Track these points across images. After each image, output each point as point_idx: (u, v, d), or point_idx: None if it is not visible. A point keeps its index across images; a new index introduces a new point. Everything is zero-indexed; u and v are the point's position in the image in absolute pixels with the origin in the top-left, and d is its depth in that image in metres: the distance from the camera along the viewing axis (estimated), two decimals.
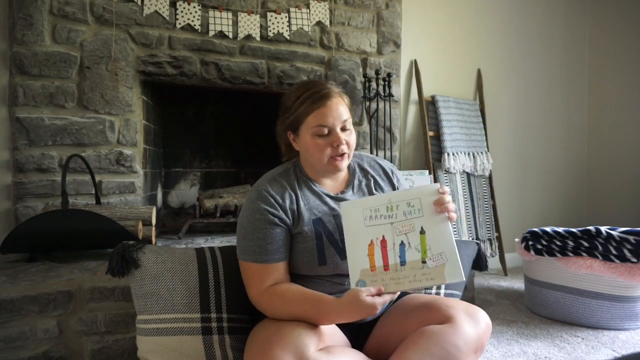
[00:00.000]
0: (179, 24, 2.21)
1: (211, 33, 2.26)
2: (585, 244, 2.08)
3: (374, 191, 1.31)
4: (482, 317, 1.13)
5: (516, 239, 2.39)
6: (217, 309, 1.27)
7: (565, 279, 2.12)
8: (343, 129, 1.20)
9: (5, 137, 2.02)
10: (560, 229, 2.20)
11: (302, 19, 2.42)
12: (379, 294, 1.03)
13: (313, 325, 1.07)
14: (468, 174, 2.95)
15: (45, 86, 2.01)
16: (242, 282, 1.21)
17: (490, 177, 3.06)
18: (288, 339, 0.99)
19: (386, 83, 2.53)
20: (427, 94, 2.94)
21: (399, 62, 2.72)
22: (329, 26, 2.50)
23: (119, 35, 2.11)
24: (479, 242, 2.04)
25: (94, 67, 2.08)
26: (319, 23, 2.48)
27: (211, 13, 2.26)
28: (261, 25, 2.35)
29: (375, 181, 1.33)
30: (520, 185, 3.36)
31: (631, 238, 1.99)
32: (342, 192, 1.28)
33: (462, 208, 2.86)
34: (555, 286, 2.16)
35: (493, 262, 3.05)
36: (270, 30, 2.37)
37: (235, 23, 2.31)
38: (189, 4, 2.21)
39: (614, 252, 2.00)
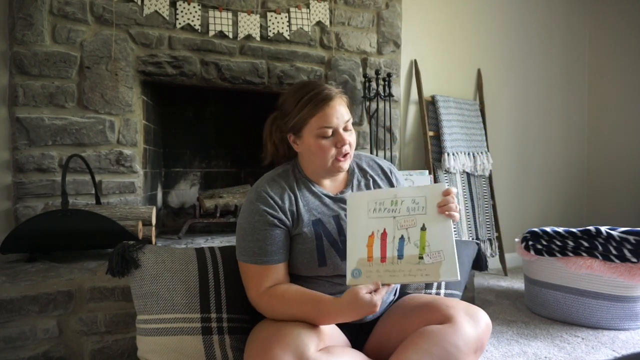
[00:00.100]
0: (179, 24, 2.21)
1: (211, 33, 2.26)
2: (585, 244, 2.08)
3: None
4: (482, 317, 1.13)
5: (516, 239, 2.39)
6: (217, 309, 1.27)
7: (565, 279, 2.12)
8: (345, 129, 1.20)
9: (5, 137, 2.02)
10: (560, 229, 2.20)
11: (302, 19, 2.42)
12: (376, 289, 1.03)
13: (313, 325, 1.07)
14: (468, 174, 2.95)
15: (45, 86, 2.01)
16: (242, 283, 1.21)
17: (490, 177, 3.06)
18: (288, 339, 0.99)
19: (386, 83, 2.53)
20: (427, 94, 2.94)
21: (399, 62, 2.72)
22: (329, 26, 2.50)
23: (119, 35, 2.11)
24: (479, 242, 2.04)
25: (94, 67, 2.08)
26: (319, 23, 2.48)
27: (211, 13, 2.26)
28: (261, 25, 2.35)
29: (374, 181, 1.33)
30: (520, 185, 3.37)
31: (631, 238, 1.99)
32: (342, 193, 1.28)
33: (462, 208, 2.86)
34: (555, 286, 2.16)
35: (493, 262, 3.06)
36: (270, 30, 2.37)
37: (235, 23, 2.31)
38: (189, 4, 2.21)
39: (614, 252, 2.00)
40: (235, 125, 2.89)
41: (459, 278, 1.04)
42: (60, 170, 2.02)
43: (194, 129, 2.84)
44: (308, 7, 2.44)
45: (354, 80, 2.57)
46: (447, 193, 1.13)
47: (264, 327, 1.11)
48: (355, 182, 1.31)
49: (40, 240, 1.73)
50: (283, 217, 1.17)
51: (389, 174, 1.36)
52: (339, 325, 1.19)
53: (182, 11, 2.21)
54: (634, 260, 1.96)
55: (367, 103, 2.59)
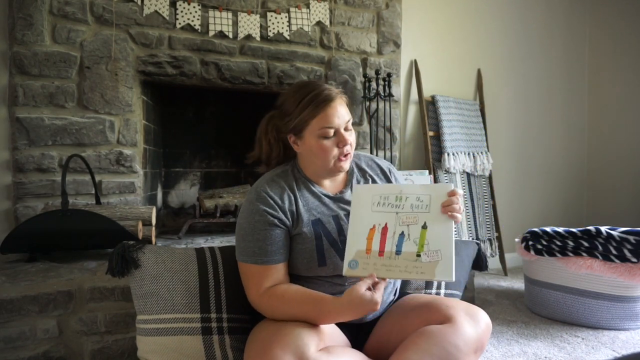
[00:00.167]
0: (179, 24, 2.21)
1: (211, 33, 2.26)
2: (585, 244, 2.08)
3: None
4: (482, 317, 1.14)
5: (516, 239, 2.39)
6: (217, 309, 1.27)
7: (565, 279, 2.12)
8: (345, 129, 1.21)
9: (5, 137, 2.02)
10: (560, 229, 2.20)
11: (302, 19, 2.42)
12: (376, 287, 1.04)
13: (313, 325, 1.07)
14: (468, 174, 2.95)
15: (45, 86, 2.01)
16: (242, 283, 1.21)
17: (490, 177, 3.06)
18: (288, 339, 0.99)
19: (386, 83, 2.53)
20: (427, 94, 2.94)
21: (399, 62, 2.72)
22: (329, 26, 2.50)
23: (119, 35, 2.11)
24: (479, 242, 2.04)
25: (94, 67, 2.08)
26: (319, 23, 2.48)
27: (211, 13, 2.26)
28: (261, 25, 2.35)
29: (374, 181, 1.33)
30: (520, 185, 3.37)
31: (631, 238, 1.99)
32: (341, 192, 1.28)
33: (462, 208, 2.86)
34: (555, 286, 2.16)
35: (493, 262, 3.05)
36: (270, 30, 2.37)
37: (235, 23, 2.31)
38: (189, 4, 2.21)
39: (614, 252, 2.00)
40: (235, 125, 2.89)
41: (453, 279, 1.05)
42: (60, 170, 2.02)
43: (194, 129, 2.84)
44: (308, 7, 2.44)
45: (354, 80, 2.57)
46: (452, 194, 1.13)
47: (264, 327, 1.11)
48: (354, 181, 1.31)
49: (40, 240, 1.73)
50: (283, 217, 1.17)
51: (388, 173, 1.36)
52: (339, 325, 1.19)
53: (182, 11, 2.21)
54: (634, 260, 1.96)
55: (367, 103, 2.59)
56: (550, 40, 3.42)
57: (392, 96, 2.56)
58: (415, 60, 2.93)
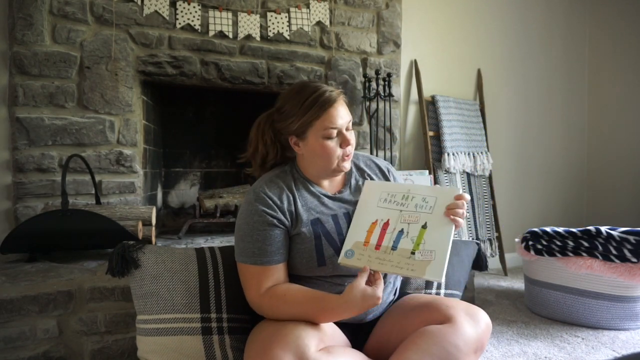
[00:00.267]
0: (179, 24, 2.21)
1: (211, 33, 2.26)
2: (585, 244, 2.08)
3: None
4: (482, 317, 1.14)
5: (516, 239, 2.39)
6: (217, 309, 1.27)
7: (565, 279, 2.12)
8: (347, 129, 1.21)
9: (5, 137, 2.02)
10: (560, 229, 2.20)
11: (302, 19, 2.42)
12: (374, 281, 1.07)
13: (313, 325, 1.07)
14: (468, 174, 2.95)
15: (45, 86, 2.01)
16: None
17: (490, 177, 3.06)
18: (288, 339, 0.99)
19: (386, 83, 2.53)
20: (427, 94, 2.94)
21: (399, 62, 2.72)
22: (329, 26, 2.50)
23: (119, 35, 2.11)
24: (479, 242, 2.04)
25: (94, 67, 2.08)
26: (319, 23, 2.48)
27: (211, 13, 2.26)
28: (261, 25, 2.35)
29: (372, 180, 1.33)
30: (520, 185, 3.37)
31: (631, 238, 1.99)
32: (340, 192, 1.28)
33: None
34: (555, 286, 2.16)
35: (493, 262, 3.06)
36: (270, 30, 2.37)
37: (235, 23, 2.31)
38: (189, 4, 2.21)
39: (614, 252, 2.00)
40: (235, 125, 2.89)
41: (442, 280, 1.07)
42: (60, 170, 2.02)
43: (194, 129, 2.84)
44: (308, 7, 2.44)
45: (354, 80, 2.57)
46: (459, 198, 1.15)
47: (264, 327, 1.11)
48: (353, 181, 1.31)
49: (40, 240, 1.73)
50: (282, 217, 1.17)
51: (387, 173, 1.36)
52: (339, 325, 1.19)
53: (182, 11, 2.21)
54: (634, 260, 1.96)
55: (367, 103, 2.59)
56: (550, 40, 3.42)
57: (392, 96, 2.56)
58: (415, 60, 2.93)
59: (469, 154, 2.93)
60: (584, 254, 2.08)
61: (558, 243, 2.15)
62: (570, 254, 2.11)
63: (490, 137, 3.17)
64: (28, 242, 1.73)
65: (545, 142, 3.44)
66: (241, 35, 2.32)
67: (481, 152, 2.99)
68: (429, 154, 2.83)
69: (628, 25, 3.30)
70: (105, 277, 1.54)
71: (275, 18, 2.38)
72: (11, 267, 1.67)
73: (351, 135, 1.21)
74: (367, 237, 1.15)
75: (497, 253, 3.02)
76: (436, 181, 2.79)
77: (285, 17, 2.40)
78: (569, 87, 3.51)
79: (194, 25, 2.23)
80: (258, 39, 2.35)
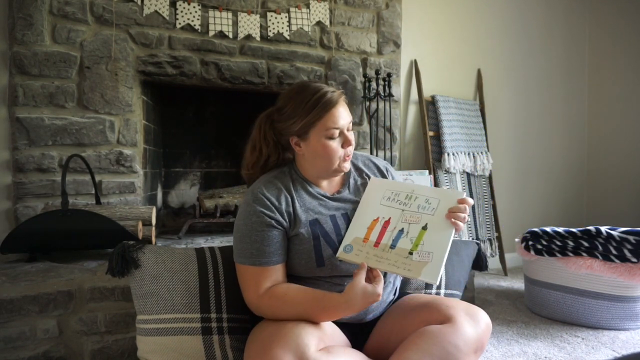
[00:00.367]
0: (179, 24, 2.21)
1: (211, 33, 2.26)
2: (585, 244, 2.08)
3: None
4: (482, 317, 1.14)
5: (516, 239, 2.39)
6: (217, 309, 1.27)
7: (565, 279, 2.12)
8: (348, 130, 1.22)
9: (5, 137, 2.02)
10: (560, 229, 2.20)
11: (302, 19, 2.42)
12: (373, 278, 1.08)
13: (314, 324, 1.07)
14: (468, 174, 2.95)
15: (45, 86, 2.01)
16: None
17: (490, 177, 3.06)
18: (288, 338, 0.99)
19: (386, 83, 2.53)
20: (427, 94, 2.94)
21: (399, 62, 2.72)
22: (329, 26, 2.50)
23: (119, 35, 2.11)
24: (479, 242, 2.04)
25: (94, 67, 2.08)
26: (319, 23, 2.48)
27: (211, 13, 2.26)
28: (261, 25, 2.35)
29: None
30: (520, 185, 3.37)
31: (631, 238, 1.99)
32: (339, 192, 1.28)
33: None
34: (555, 286, 2.16)
35: (493, 262, 3.06)
36: (270, 30, 2.37)
37: (235, 23, 2.31)
38: (189, 4, 2.22)
39: (614, 252, 2.00)
40: (235, 125, 2.89)
41: (437, 283, 1.08)
42: (60, 170, 2.02)
43: (194, 129, 2.84)
44: (308, 7, 2.44)
45: (354, 80, 2.57)
46: (462, 201, 1.15)
47: (264, 327, 1.11)
48: (351, 181, 1.31)
49: (40, 240, 1.73)
50: (280, 218, 1.17)
51: (385, 172, 1.36)
52: (339, 325, 1.19)
53: (182, 11, 2.21)
54: (634, 260, 1.96)
55: (367, 103, 2.59)
56: (550, 40, 3.42)
57: (392, 96, 2.56)
58: (415, 60, 2.93)
59: (469, 154, 2.93)
60: (584, 254, 2.08)
61: (558, 243, 2.15)
62: (570, 254, 2.11)
63: (490, 137, 3.17)
64: (28, 242, 1.73)
65: (545, 142, 3.44)
66: (241, 35, 2.32)
67: (481, 152, 2.99)
68: (429, 154, 2.83)
69: (628, 24, 3.30)
70: (105, 277, 1.54)
71: (275, 18, 2.38)
72: (11, 267, 1.67)
73: (352, 136, 1.22)
74: (367, 233, 1.16)
75: (497, 253, 3.02)
76: (436, 181, 2.79)
77: (285, 17, 2.40)
78: (569, 86, 3.51)
79: (194, 25, 2.23)
80: (258, 39, 2.35)
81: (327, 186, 1.28)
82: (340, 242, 1.19)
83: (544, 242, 2.19)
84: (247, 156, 1.28)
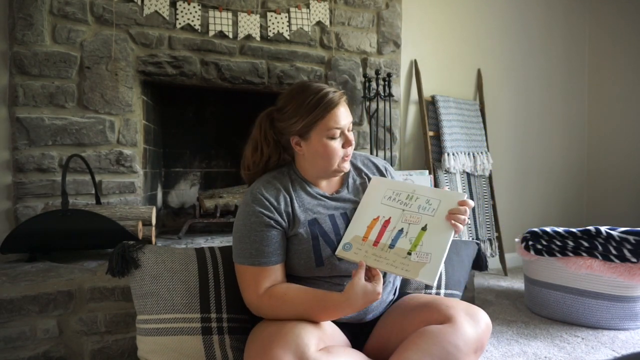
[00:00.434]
0: (179, 24, 2.21)
1: (211, 33, 2.27)
2: (585, 244, 2.08)
3: None
4: (482, 317, 1.14)
5: (516, 239, 2.39)
6: (217, 309, 1.27)
7: (565, 279, 2.12)
8: (348, 130, 1.22)
9: (5, 137, 2.02)
10: (560, 229, 2.20)
11: (302, 19, 2.42)
12: (372, 277, 1.09)
13: (314, 324, 1.07)
14: (468, 174, 2.95)
15: (45, 86, 2.01)
16: None
17: (490, 177, 3.06)
18: (288, 338, 0.99)
19: (386, 83, 2.53)
20: (427, 94, 2.94)
21: (399, 62, 2.72)
22: (329, 26, 2.50)
23: (119, 35, 2.12)
24: (479, 242, 2.04)
25: (94, 67, 2.08)
26: (319, 23, 2.48)
27: (211, 13, 2.26)
28: (261, 25, 2.35)
29: (369, 179, 1.33)
30: (520, 185, 3.37)
31: (631, 238, 1.99)
32: (337, 192, 1.28)
33: None
34: (555, 286, 2.16)
35: (493, 262, 3.06)
36: (270, 30, 2.37)
37: (235, 23, 2.31)
38: (189, 4, 2.22)
39: (613, 252, 2.00)
40: (235, 125, 2.89)
41: (434, 284, 1.09)
42: (60, 170, 2.02)
43: (194, 129, 2.84)
44: (308, 7, 2.44)
45: (354, 80, 2.57)
46: (462, 203, 1.15)
47: (264, 326, 1.11)
48: (350, 180, 1.31)
49: (40, 240, 1.73)
50: (279, 219, 1.17)
51: (384, 172, 1.36)
52: (339, 325, 1.19)
53: (182, 11, 2.21)
54: (634, 260, 1.96)
55: (367, 103, 2.59)
56: (550, 39, 3.42)
57: (392, 96, 2.56)
58: (415, 60, 2.93)
59: (469, 154, 2.93)
60: (583, 254, 2.08)
61: (558, 243, 2.15)
62: (570, 254, 2.11)
63: (490, 137, 3.17)
64: (28, 242, 1.73)
65: (545, 142, 3.44)
66: (241, 35, 2.32)
67: (481, 152, 2.99)
68: (429, 154, 2.83)
69: (628, 24, 3.30)
70: (105, 277, 1.54)
71: (275, 18, 2.38)
72: (11, 267, 1.67)
73: (352, 136, 1.23)
74: (367, 232, 1.17)
75: (497, 253, 3.02)
76: (436, 181, 2.79)
77: (285, 17, 2.40)
78: (569, 86, 3.52)
79: (194, 25, 2.23)
80: (258, 39, 2.35)
81: (326, 186, 1.28)
82: (339, 242, 1.19)
83: (544, 242, 2.19)
84: (248, 156, 1.28)
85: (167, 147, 2.81)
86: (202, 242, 2.22)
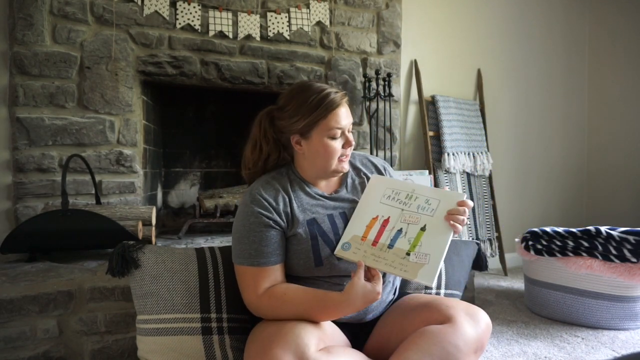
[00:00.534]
0: (179, 24, 2.21)
1: (211, 33, 2.27)
2: (585, 244, 2.08)
3: None
4: (482, 317, 1.14)
5: (516, 239, 2.39)
6: (217, 309, 1.27)
7: (565, 279, 2.12)
8: (348, 130, 1.23)
9: (6, 137, 2.02)
10: (560, 229, 2.20)
11: (302, 19, 2.42)
12: (371, 277, 1.09)
13: (314, 324, 1.07)
14: (468, 174, 2.95)
15: (46, 86, 2.01)
16: None
17: (490, 177, 3.06)
18: (288, 338, 0.99)
19: (386, 83, 2.53)
20: (427, 94, 2.94)
21: (399, 62, 2.73)
22: (329, 26, 2.50)
23: (119, 35, 2.12)
24: (479, 242, 2.04)
25: (94, 67, 2.08)
26: (319, 23, 2.48)
27: (211, 13, 2.26)
28: (261, 25, 2.35)
29: (368, 179, 1.33)
30: (520, 185, 3.37)
31: (631, 238, 1.99)
32: (336, 192, 1.28)
33: None
34: (555, 286, 2.16)
35: (493, 262, 3.06)
36: (270, 30, 2.37)
37: (235, 23, 2.31)
38: (189, 4, 2.22)
39: (613, 252, 2.00)
40: (235, 125, 2.89)
41: (433, 285, 1.08)
42: (60, 170, 2.02)
43: (194, 129, 2.84)
44: (308, 7, 2.44)
45: (354, 80, 2.57)
46: (462, 204, 1.15)
47: (264, 326, 1.11)
48: (349, 180, 1.31)
49: (40, 240, 1.73)
50: (278, 219, 1.17)
51: (383, 171, 1.36)
52: (339, 325, 1.19)
53: (182, 11, 2.21)
54: (634, 260, 1.96)
55: (367, 103, 2.59)
56: (550, 39, 3.42)
57: (392, 96, 2.56)
58: (415, 60, 2.93)
59: (469, 154, 2.93)
60: (583, 254, 2.08)
61: (558, 243, 2.15)
62: (570, 254, 2.11)
63: (490, 137, 3.17)
64: (28, 242, 1.73)
65: (545, 142, 3.44)
66: (241, 35, 2.32)
67: (481, 152, 2.99)
68: (429, 154, 2.83)
69: (628, 23, 3.30)
70: (105, 277, 1.54)
71: (275, 18, 2.38)
72: (11, 267, 1.67)
73: (352, 137, 1.23)
74: (366, 232, 1.17)
75: (497, 253, 3.02)
76: (436, 181, 2.79)
77: (285, 17, 2.40)
78: (569, 86, 3.52)
79: (194, 25, 2.23)
80: (258, 39, 2.35)
81: (325, 186, 1.29)
82: (338, 242, 1.19)
83: (544, 242, 2.19)
84: (247, 155, 1.28)
85: (167, 147, 2.81)
86: (202, 242, 2.22)
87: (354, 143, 1.23)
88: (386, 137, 2.63)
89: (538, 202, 3.43)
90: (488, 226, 2.99)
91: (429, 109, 2.92)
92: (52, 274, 1.58)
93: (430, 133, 2.87)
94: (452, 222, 1.13)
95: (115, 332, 1.56)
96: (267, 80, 2.39)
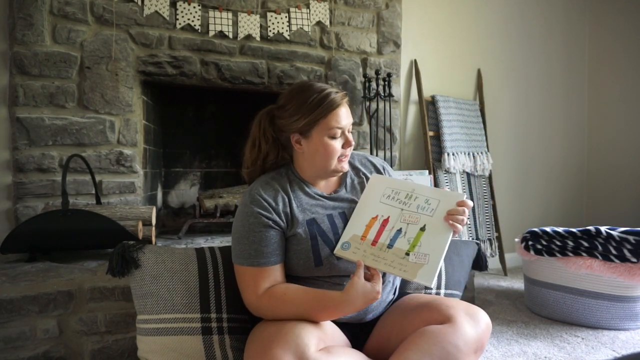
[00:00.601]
0: (179, 24, 2.21)
1: (211, 33, 2.27)
2: (585, 244, 2.08)
3: None
4: (482, 317, 1.14)
5: (516, 239, 2.39)
6: (217, 309, 1.27)
7: (565, 279, 2.12)
8: (348, 130, 1.23)
9: (6, 137, 2.02)
10: (560, 229, 2.20)
11: (302, 19, 2.43)
12: (371, 277, 1.09)
13: (314, 324, 1.07)
14: (468, 174, 2.95)
15: (46, 86, 2.01)
16: None
17: (490, 177, 3.06)
18: (288, 338, 0.99)
19: (386, 83, 2.53)
20: (427, 94, 2.94)
21: (399, 62, 2.73)
22: (329, 26, 2.50)
23: (119, 35, 2.12)
24: (479, 242, 2.04)
25: (94, 67, 2.08)
26: (319, 23, 2.48)
27: (211, 13, 2.26)
28: (261, 25, 2.35)
29: (367, 178, 1.33)
30: (520, 185, 3.37)
31: (631, 238, 1.99)
32: (336, 192, 1.28)
33: None
34: (555, 286, 2.16)
35: (493, 262, 3.06)
36: (270, 30, 2.37)
37: (235, 23, 2.31)
38: (189, 4, 2.22)
39: (613, 252, 2.00)
40: (235, 125, 2.89)
41: (432, 286, 1.09)
42: (60, 170, 2.02)
43: (194, 129, 2.84)
44: (308, 7, 2.44)
45: (354, 80, 2.57)
46: (461, 204, 1.15)
47: (264, 326, 1.11)
48: (348, 180, 1.31)
49: (40, 240, 1.73)
50: (277, 219, 1.17)
51: (382, 171, 1.37)
52: (339, 325, 1.19)
53: (182, 11, 2.21)
54: (634, 260, 1.96)
55: (367, 103, 2.59)
56: (550, 39, 3.42)
57: (392, 96, 2.56)
58: (415, 60, 2.93)
59: (469, 154, 2.93)
60: (583, 254, 2.08)
61: (558, 243, 2.15)
62: (570, 254, 2.11)
63: (490, 137, 3.17)
64: (28, 242, 1.73)
65: (545, 142, 3.44)
66: (241, 35, 2.32)
67: (481, 152, 2.99)
68: (429, 154, 2.83)
69: (628, 23, 3.30)
70: (105, 277, 1.54)
71: (275, 18, 2.38)
72: (11, 267, 1.67)
73: (352, 137, 1.23)
74: (366, 231, 1.17)
75: (497, 253, 3.02)
76: (436, 181, 2.79)
77: (285, 17, 2.40)
78: (569, 86, 3.52)
79: (194, 25, 2.23)
80: (258, 39, 2.35)
81: (324, 186, 1.29)
82: (337, 242, 1.19)
83: (544, 242, 2.19)
84: (247, 154, 1.29)
85: (167, 147, 2.81)
86: (202, 242, 2.22)
87: (353, 143, 1.23)
88: (386, 137, 2.63)
89: (538, 202, 3.43)
90: (488, 226, 2.99)
91: (429, 109, 2.92)
92: (52, 274, 1.58)
93: (430, 133, 2.87)
94: (451, 222, 1.13)
95: (115, 332, 1.56)
96: (267, 80, 2.40)
